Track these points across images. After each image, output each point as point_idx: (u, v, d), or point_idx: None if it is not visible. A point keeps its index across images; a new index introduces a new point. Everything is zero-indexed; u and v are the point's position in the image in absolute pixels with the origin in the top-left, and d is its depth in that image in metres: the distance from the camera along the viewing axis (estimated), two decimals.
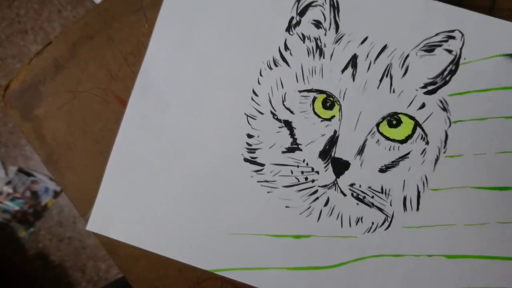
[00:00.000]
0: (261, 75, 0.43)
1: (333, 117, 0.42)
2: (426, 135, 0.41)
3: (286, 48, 0.43)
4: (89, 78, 0.46)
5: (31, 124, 0.46)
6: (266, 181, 0.43)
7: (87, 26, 0.46)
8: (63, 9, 1.59)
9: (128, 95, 0.45)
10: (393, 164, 0.42)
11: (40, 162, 1.62)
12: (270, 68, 0.43)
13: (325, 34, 0.43)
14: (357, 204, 0.42)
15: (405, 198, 0.42)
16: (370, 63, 0.42)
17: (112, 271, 1.64)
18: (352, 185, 0.42)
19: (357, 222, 0.42)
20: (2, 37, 1.60)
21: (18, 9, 1.59)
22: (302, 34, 0.43)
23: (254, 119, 0.43)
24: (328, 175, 0.42)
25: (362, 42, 0.42)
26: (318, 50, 0.43)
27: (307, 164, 0.42)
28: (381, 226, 0.42)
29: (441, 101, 0.41)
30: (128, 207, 0.45)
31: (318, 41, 0.43)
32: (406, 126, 0.42)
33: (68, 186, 0.46)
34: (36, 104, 0.46)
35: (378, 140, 0.42)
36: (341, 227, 0.43)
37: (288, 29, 0.43)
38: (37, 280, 1.65)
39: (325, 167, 0.42)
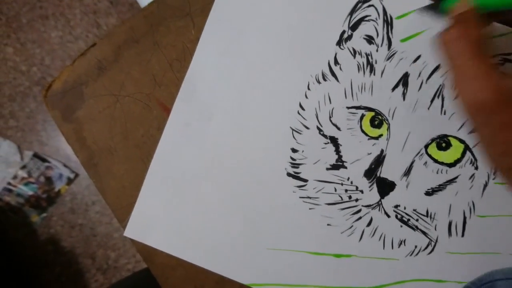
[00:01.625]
0: (309, 89, 0.43)
1: (380, 136, 0.41)
2: (476, 159, 0.40)
3: (336, 62, 0.42)
4: (133, 82, 0.45)
5: (71, 126, 0.46)
6: (308, 197, 0.43)
7: (133, 29, 0.45)
8: None
9: (171, 102, 0.44)
10: (440, 187, 0.41)
11: (55, 148, 1.63)
12: (319, 82, 0.42)
13: (377, 50, 0.42)
14: (401, 226, 0.41)
15: (450, 223, 0.41)
16: (422, 83, 0.41)
17: (121, 260, 1.64)
18: (396, 206, 0.41)
19: (399, 245, 0.42)
20: (23, 22, 1.60)
21: None
22: (353, 49, 0.42)
23: (300, 133, 0.43)
24: (372, 195, 0.41)
25: (415, 60, 0.41)
26: (368, 66, 0.42)
27: (351, 182, 0.42)
28: (424, 250, 0.41)
29: None
30: (167, 216, 0.44)
31: (369, 57, 0.42)
32: (456, 150, 0.41)
33: (107, 190, 0.45)
34: (77, 106, 0.46)
35: (426, 162, 0.41)
36: (383, 248, 0.42)
37: (339, 43, 0.42)
38: (48, 264, 1.66)
39: (369, 187, 0.41)
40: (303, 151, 0.43)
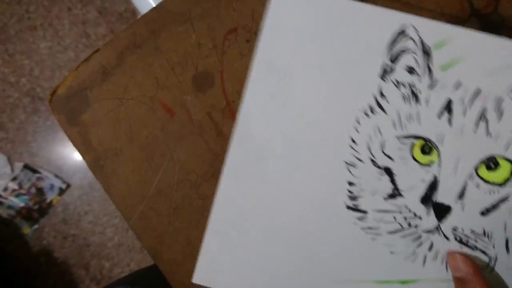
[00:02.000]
0: (358, 123, 0.44)
1: (432, 162, 0.43)
2: None
3: (382, 95, 0.43)
4: (136, 86, 0.47)
5: (77, 129, 0.47)
6: (369, 228, 0.44)
7: (135, 35, 0.47)
8: (73, 7, 1.56)
9: (174, 104, 0.46)
10: (494, 207, 0.42)
11: (46, 159, 1.60)
12: (367, 116, 0.43)
13: (420, 80, 0.43)
14: (461, 247, 0.43)
15: (507, 240, 0.42)
16: (465, 108, 0.42)
17: (116, 270, 1.63)
18: (455, 229, 0.43)
19: None
20: (11, 33, 1.57)
21: (28, 5, 1.56)
22: (397, 81, 0.43)
23: (354, 166, 0.44)
24: (430, 220, 0.43)
25: (456, 87, 0.42)
26: (413, 96, 0.43)
27: (409, 210, 0.43)
28: (486, 268, 0.43)
29: None
30: (233, 258, 0.45)
31: (413, 88, 0.43)
32: (505, 169, 0.42)
33: (113, 191, 0.47)
34: (82, 110, 0.47)
35: (478, 184, 0.42)
36: (446, 271, 0.43)
37: (382, 76, 0.43)
38: (41, 276, 1.64)
39: (427, 212, 0.43)
40: (359, 183, 0.44)
